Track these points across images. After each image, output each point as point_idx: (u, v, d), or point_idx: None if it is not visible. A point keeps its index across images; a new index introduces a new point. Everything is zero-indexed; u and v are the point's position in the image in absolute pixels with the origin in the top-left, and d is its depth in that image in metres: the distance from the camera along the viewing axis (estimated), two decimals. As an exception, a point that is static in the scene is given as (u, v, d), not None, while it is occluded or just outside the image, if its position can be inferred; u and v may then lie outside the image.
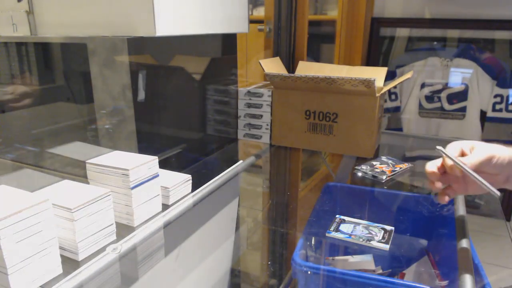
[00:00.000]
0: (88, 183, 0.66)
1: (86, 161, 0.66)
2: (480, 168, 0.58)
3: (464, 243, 0.65)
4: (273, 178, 1.17)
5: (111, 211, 0.59)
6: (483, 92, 2.00)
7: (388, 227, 0.82)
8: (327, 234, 0.80)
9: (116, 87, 0.78)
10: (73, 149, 0.89)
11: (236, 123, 1.17)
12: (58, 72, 0.90)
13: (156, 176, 0.68)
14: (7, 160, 0.93)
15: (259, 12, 1.90)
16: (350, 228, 0.82)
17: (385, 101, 2.14)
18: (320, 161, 1.34)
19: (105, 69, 0.78)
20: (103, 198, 0.57)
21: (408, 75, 1.04)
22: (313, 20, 2.03)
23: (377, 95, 0.97)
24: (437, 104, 2.09)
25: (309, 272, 0.65)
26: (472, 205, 0.82)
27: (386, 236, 0.79)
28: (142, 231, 0.64)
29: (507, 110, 1.96)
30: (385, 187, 0.93)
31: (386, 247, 0.76)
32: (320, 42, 2.16)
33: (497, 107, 1.97)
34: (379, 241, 0.77)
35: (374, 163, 1.02)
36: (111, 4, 0.71)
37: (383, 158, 1.06)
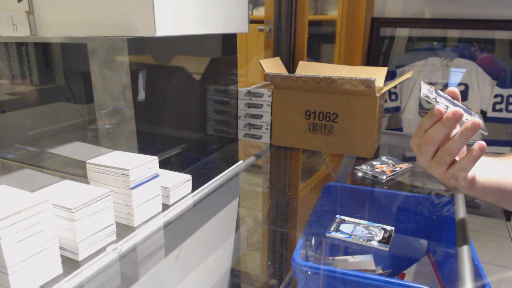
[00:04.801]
0: (88, 183, 0.66)
1: (86, 161, 0.66)
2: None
3: (464, 243, 0.65)
4: (273, 178, 1.17)
5: (111, 211, 0.59)
6: (483, 92, 2.00)
7: (388, 227, 0.82)
8: (327, 234, 0.80)
9: (116, 87, 0.78)
10: (73, 149, 0.89)
11: (236, 123, 1.17)
12: (58, 72, 0.90)
13: (156, 176, 0.68)
14: (7, 160, 0.93)
15: (259, 12, 1.90)
16: (350, 228, 0.82)
17: (385, 101, 2.14)
18: (320, 161, 1.34)
19: (105, 69, 0.78)
20: (103, 198, 0.57)
21: (408, 75, 1.04)
22: (313, 20, 2.02)
23: (377, 95, 0.97)
24: (437, 104, 2.09)
25: (309, 272, 0.65)
26: (472, 205, 0.82)
27: (386, 236, 0.79)
28: (142, 231, 0.64)
29: (507, 110, 1.96)
30: (385, 187, 0.93)
31: (386, 247, 0.76)
32: (320, 42, 2.16)
33: (497, 107, 1.97)
34: (379, 241, 0.77)
35: (374, 163, 1.02)
36: (111, 4, 0.71)
37: (383, 158, 1.06)
